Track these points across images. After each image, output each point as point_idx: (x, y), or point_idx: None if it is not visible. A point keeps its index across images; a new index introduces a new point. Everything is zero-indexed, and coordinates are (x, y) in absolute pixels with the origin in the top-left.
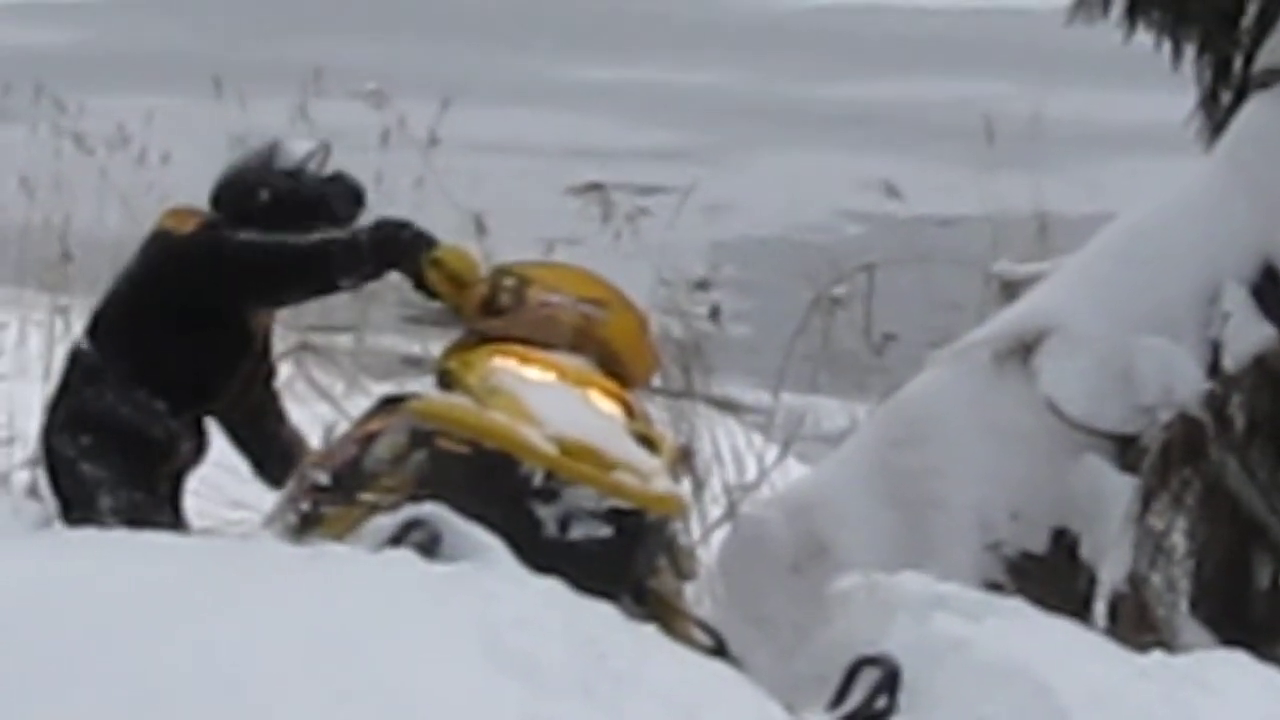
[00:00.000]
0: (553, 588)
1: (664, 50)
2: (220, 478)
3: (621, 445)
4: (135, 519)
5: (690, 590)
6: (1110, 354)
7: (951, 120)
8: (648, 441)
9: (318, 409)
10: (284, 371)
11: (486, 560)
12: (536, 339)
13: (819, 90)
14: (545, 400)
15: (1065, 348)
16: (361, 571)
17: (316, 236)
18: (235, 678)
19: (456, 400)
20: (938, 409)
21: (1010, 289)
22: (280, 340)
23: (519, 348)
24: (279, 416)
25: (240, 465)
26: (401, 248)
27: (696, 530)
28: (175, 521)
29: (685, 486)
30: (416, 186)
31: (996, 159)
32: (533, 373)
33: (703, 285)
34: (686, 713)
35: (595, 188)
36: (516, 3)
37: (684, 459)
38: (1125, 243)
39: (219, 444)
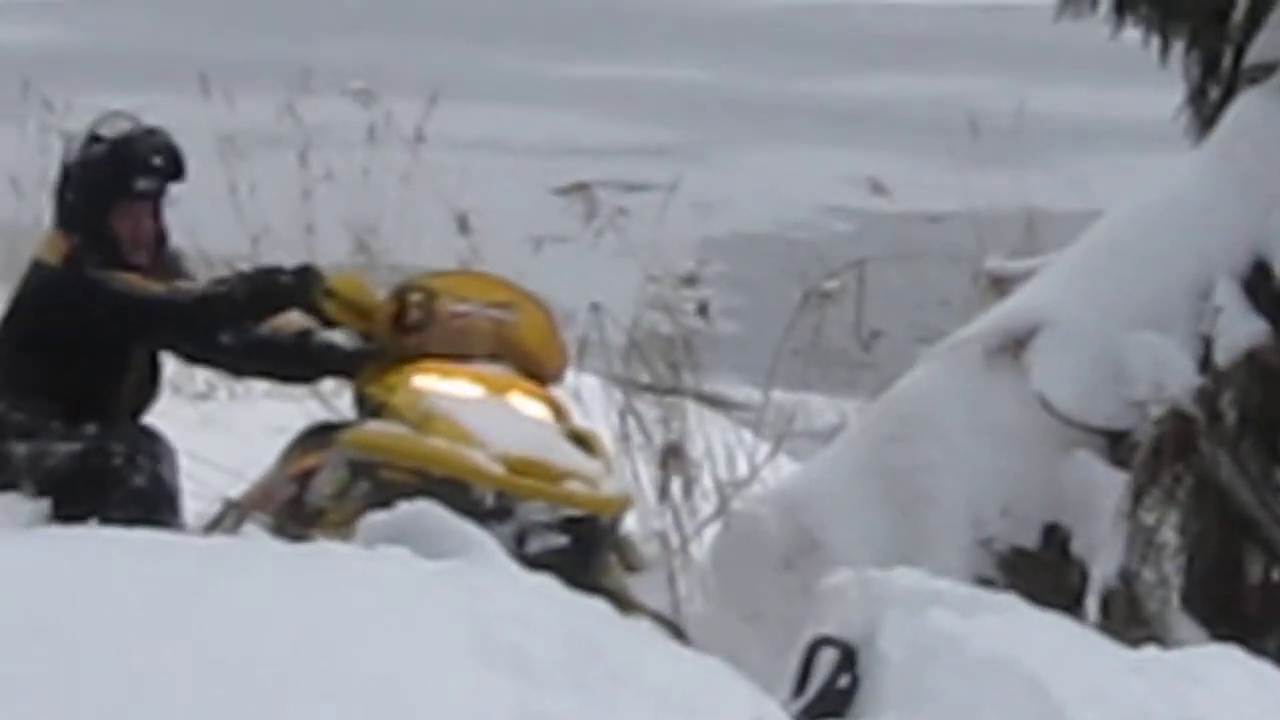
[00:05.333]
0: (544, 584)
1: (651, 48)
2: (208, 475)
3: (564, 453)
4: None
5: (683, 587)
6: (1101, 349)
7: (936, 116)
8: (581, 440)
9: (307, 405)
10: None
11: (477, 556)
12: (452, 351)
13: (804, 87)
14: (482, 419)
15: (1056, 343)
16: (354, 568)
17: (194, 291)
18: (230, 674)
19: (394, 429)
20: (929, 405)
21: (1000, 285)
22: None
23: (436, 363)
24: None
25: (228, 460)
26: (282, 292)
27: (688, 527)
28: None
29: (675, 484)
30: (403, 184)
31: (982, 155)
32: (455, 387)
33: (691, 281)
34: (681, 708)
35: (581, 187)
36: (503, 1)
37: (674, 456)
38: (1116, 238)
39: (205, 440)
